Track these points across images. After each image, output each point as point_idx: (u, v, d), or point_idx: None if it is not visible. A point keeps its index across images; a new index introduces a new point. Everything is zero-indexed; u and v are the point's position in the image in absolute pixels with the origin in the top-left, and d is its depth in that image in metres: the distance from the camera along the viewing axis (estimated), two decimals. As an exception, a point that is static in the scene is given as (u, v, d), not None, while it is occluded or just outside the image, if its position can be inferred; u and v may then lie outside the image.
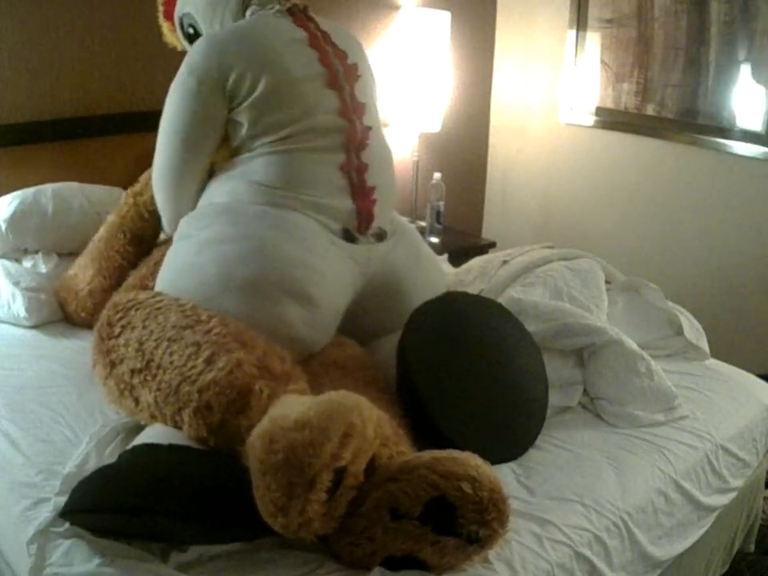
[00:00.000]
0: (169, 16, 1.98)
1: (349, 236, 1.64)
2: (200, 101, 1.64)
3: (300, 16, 1.77)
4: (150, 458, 1.23)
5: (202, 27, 1.84)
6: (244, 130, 1.63)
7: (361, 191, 1.67)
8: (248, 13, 1.77)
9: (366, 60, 1.86)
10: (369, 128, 1.74)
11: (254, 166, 1.62)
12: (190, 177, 1.71)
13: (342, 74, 1.73)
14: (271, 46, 1.66)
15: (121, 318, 1.50)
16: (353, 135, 1.69)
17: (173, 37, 2.01)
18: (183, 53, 1.89)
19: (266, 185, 1.59)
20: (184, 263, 1.56)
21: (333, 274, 1.58)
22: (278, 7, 1.76)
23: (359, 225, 1.66)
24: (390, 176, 1.81)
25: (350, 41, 1.85)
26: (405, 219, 1.96)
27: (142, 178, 1.99)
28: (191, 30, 1.88)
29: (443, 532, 1.15)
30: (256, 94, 1.60)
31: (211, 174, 1.73)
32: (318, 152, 1.64)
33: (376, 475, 1.19)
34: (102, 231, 2.01)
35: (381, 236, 1.72)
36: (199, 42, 1.68)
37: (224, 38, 1.67)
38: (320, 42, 1.73)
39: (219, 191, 1.65)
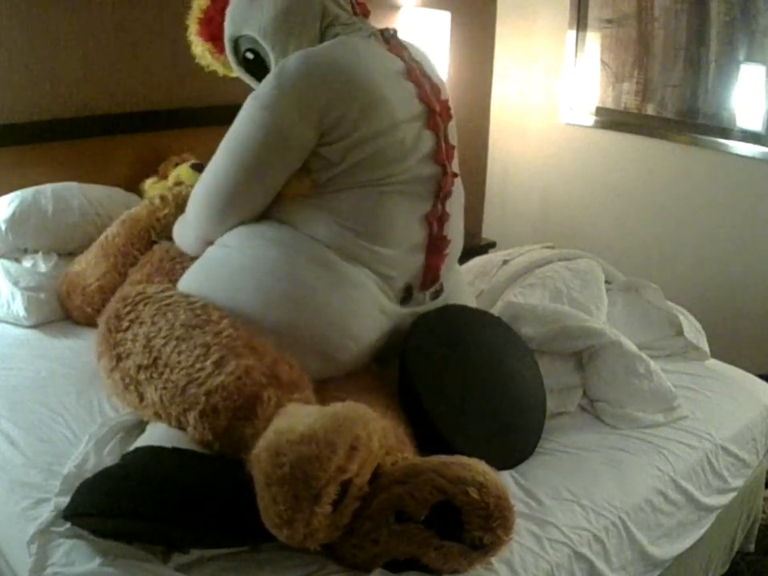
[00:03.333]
0: (210, 36, 1.76)
1: (408, 295, 1.59)
2: (288, 125, 1.46)
3: (394, 43, 1.62)
4: (154, 462, 1.22)
5: (270, 53, 1.62)
6: (335, 168, 1.50)
7: (436, 245, 1.59)
8: (329, 36, 1.60)
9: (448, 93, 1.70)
10: (456, 174, 1.65)
11: (339, 204, 1.51)
12: (243, 207, 1.55)
13: (439, 112, 1.61)
14: (374, 80, 1.50)
15: (129, 312, 1.49)
16: (445, 182, 1.60)
17: (214, 60, 1.79)
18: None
19: (345, 226, 1.49)
20: (223, 276, 1.51)
21: (369, 341, 1.53)
22: (369, 31, 1.61)
23: (424, 282, 1.60)
24: (461, 228, 1.72)
25: (435, 68, 1.71)
26: (458, 267, 1.83)
27: (187, 184, 1.95)
28: (251, 55, 1.66)
29: (447, 537, 1.16)
30: (356, 134, 1.47)
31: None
32: (409, 199, 1.55)
33: (381, 479, 1.19)
34: (118, 227, 1.97)
35: (438, 293, 1.66)
36: (297, 65, 1.47)
37: (326, 61, 1.49)
38: (417, 74, 1.60)
39: (295, 216, 1.53)
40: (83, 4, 2.30)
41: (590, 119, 3.18)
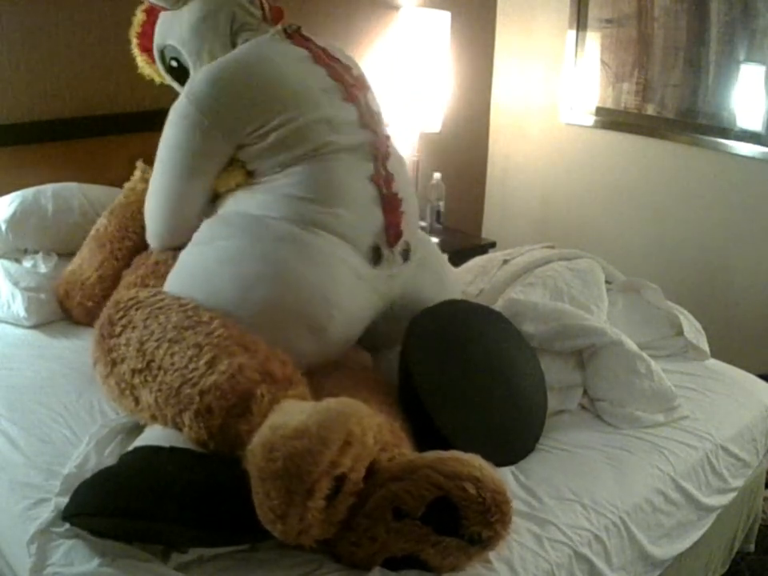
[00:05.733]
0: (144, 48, 1.91)
1: (377, 255, 1.60)
2: (202, 136, 1.58)
3: (297, 37, 1.73)
4: (151, 461, 1.23)
5: (188, 60, 1.78)
6: (264, 155, 1.59)
7: (390, 203, 1.63)
8: (239, 41, 1.73)
9: (363, 71, 1.84)
10: (388, 137, 1.73)
11: (285, 180, 1.57)
12: (190, 202, 1.69)
13: (354, 86, 1.71)
14: (280, 72, 1.61)
15: (122, 317, 1.50)
16: (378, 144, 1.66)
17: (151, 69, 1.95)
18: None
19: (298, 197, 1.55)
20: (199, 272, 1.54)
21: (352, 307, 1.55)
22: (272, 31, 1.71)
23: (388, 239, 1.62)
24: (411, 187, 1.78)
25: (345, 54, 1.83)
26: (428, 237, 1.91)
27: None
28: (174, 63, 1.82)
29: (445, 532, 1.16)
30: (274, 122, 1.56)
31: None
32: (348, 163, 1.61)
33: (378, 475, 1.19)
34: (107, 218, 2.01)
35: (407, 252, 1.68)
36: (203, 76, 1.61)
37: (230, 72, 1.60)
38: (324, 58, 1.70)
39: (250, 200, 1.60)
40: (83, 4, 2.30)
41: (590, 119, 3.18)
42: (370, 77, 1.86)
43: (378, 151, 1.66)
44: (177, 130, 1.62)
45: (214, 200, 1.69)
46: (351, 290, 1.55)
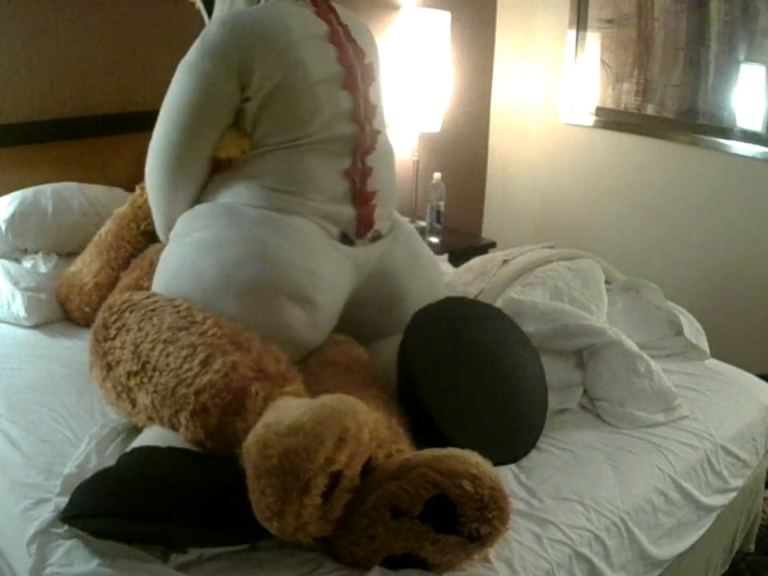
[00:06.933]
0: None
1: (346, 240, 1.65)
2: (213, 84, 1.58)
3: (323, 6, 1.70)
4: (150, 462, 1.23)
5: None
6: (251, 126, 1.61)
7: (362, 197, 1.66)
8: None
9: (379, 58, 1.83)
10: (378, 132, 1.73)
11: (258, 167, 1.61)
12: (190, 171, 1.66)
13: (360, 74, 1.70)
14: (292, 42, 1.59)
15: (116, 320, 1.50)
16: (362, 141, 1.68)
17: None
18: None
19: (269, 188, 1.59)
20: (182, 265, 1.56)
21: (331, 275, 1.59)
22: None
23: (358, 230, 1.66)
24: (392, 179, 1.80)
25: (367, 36, 1.81)
26: (405, 219, 1.95)
27: None
28: None
29: (444, 530, 1.15)
30: (268, 90, 1.57)
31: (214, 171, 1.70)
32: (325, 156, 1.63)
33: (375, 474, 1.19)
34: (109, 224, 2.02)
35: (377, 238, 1.72)
36: (217, 24, 1.61)
37: (245, 24, 1.59)
38: (340, 37, 1.68)
39: (221, 190, 1.64)
40: (83, 4, 2.30)
41: (590, 119, 3.18)
42: (382, 66, 1.85)
43: (360, 147, 1.67)
44: (186, 80, 1.61)
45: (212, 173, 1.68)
46: (329, 259, 1.59)
